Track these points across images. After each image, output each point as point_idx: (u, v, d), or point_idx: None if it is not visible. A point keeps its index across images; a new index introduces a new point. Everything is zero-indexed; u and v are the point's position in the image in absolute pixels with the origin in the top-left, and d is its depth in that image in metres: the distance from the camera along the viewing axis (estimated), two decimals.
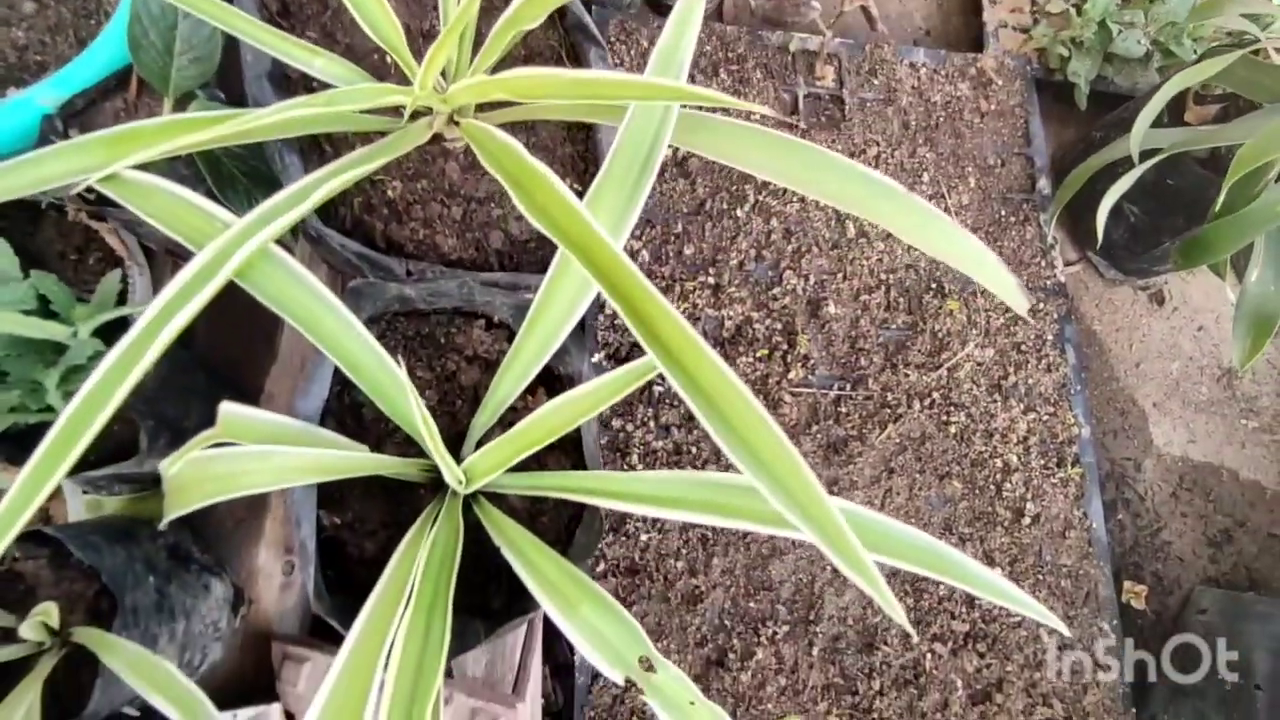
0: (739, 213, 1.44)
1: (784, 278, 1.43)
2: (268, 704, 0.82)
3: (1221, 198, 1.13)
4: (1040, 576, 1.35)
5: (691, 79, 1.47)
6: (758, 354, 1.38)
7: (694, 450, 1.29)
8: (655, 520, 1.26)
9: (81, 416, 0.49)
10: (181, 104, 0.83)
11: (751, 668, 1.21)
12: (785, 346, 1.38)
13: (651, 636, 1.22)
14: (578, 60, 0.93)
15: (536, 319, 0.67)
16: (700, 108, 0.66)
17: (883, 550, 0.58)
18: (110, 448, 0.74)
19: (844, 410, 1.37)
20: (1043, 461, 1.41)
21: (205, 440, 0.58)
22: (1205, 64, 1.19)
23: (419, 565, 0.63)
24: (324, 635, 0.96)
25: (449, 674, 0.97)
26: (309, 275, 0.62)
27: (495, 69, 0.67)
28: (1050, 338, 1.49)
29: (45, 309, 0.69)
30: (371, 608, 0.58)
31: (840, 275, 1.45)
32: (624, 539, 1.24)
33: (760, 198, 1.45)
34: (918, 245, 0.66)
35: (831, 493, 1.34)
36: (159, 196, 0.61)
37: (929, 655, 1.26)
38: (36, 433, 0.55)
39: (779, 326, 1.40)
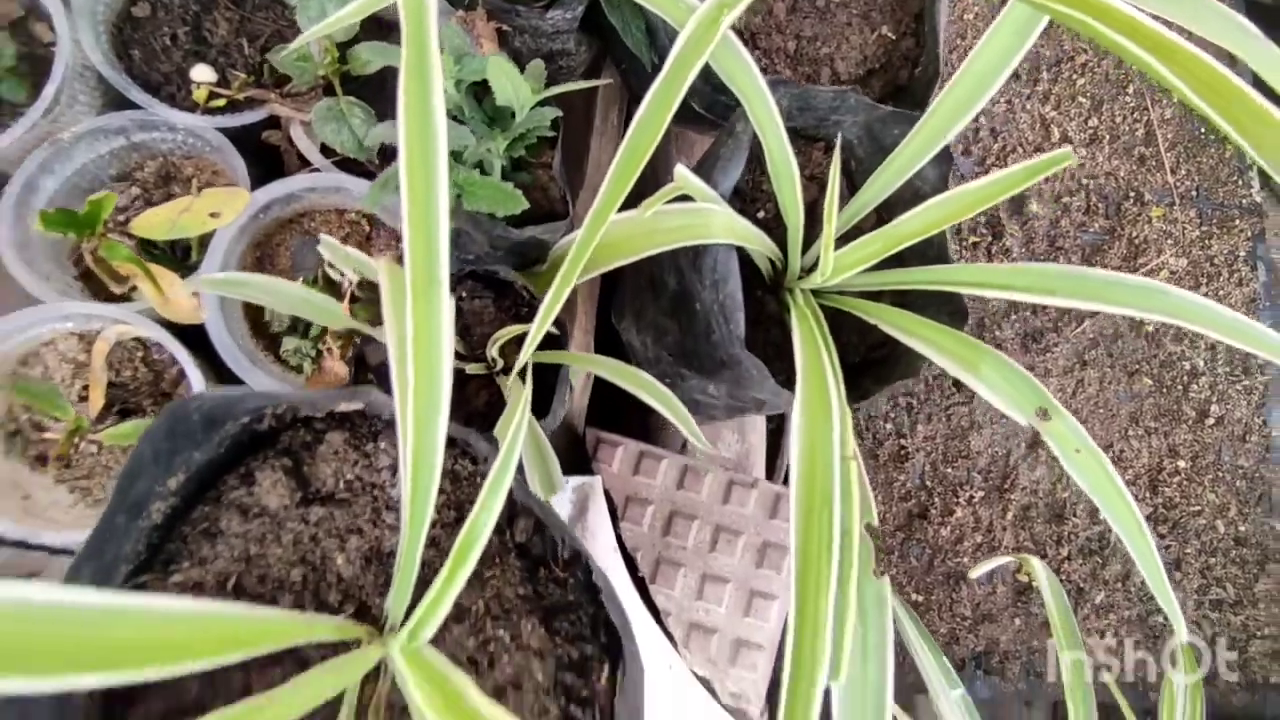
0: None
1: (990, 174, 1.47)
2: (590, 476, 0.93)
3: None
4: (1219, 474, 1.41)
5: None
6: (964, 241, 1.43)
7: None
8: None
9: (641, 139, 0.58)
10: None
11: (950, 524, 1.30)
12: (990, 238, 1.44)
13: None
14: None
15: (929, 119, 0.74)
16: None
17: None
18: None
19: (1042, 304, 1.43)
20: (1229, 369, 1.46)
21: (669, 193, 0.67)
22: None
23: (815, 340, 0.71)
24: (613, 428, 1.06)
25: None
26: (751, 61, 0.70)
27: None
28: (1243, 254, 1.53)
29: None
30: (802, 375, 0.66)
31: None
32: None
33: None
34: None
35: None
36: None
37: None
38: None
39: (983, 220, 1.45)
